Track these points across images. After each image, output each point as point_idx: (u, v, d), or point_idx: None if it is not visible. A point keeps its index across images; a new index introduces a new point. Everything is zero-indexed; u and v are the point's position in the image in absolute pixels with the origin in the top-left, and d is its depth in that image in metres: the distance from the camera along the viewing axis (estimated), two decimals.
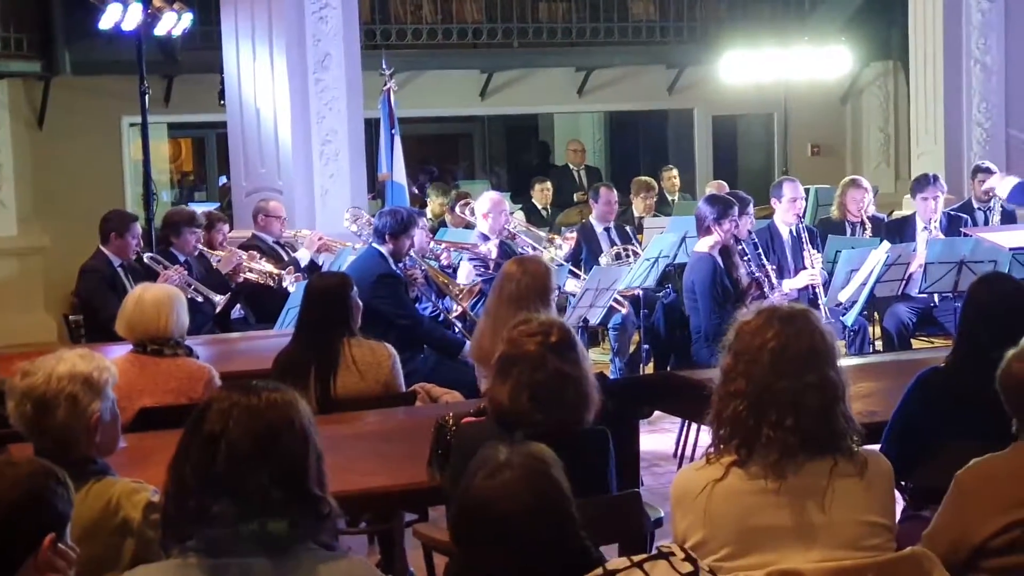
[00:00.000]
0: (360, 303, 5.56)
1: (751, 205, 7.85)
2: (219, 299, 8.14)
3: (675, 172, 13.86)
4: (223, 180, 16.41)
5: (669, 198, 13.41)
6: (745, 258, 7.55)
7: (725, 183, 11.94)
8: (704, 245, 7.46)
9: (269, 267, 8.38)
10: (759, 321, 3.24)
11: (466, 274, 8.53)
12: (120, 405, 3.65)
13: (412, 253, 7.54)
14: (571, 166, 15.28)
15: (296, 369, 5.32)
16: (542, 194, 13.62)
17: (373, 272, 7.23)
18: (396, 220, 7.37)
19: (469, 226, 9.59)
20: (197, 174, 18.91)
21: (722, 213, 7.40)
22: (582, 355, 3.90)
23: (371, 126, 11.48)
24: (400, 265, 7.44)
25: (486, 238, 8.78)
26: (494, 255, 8.48)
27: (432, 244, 8.59)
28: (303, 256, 8.92)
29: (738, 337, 3.25)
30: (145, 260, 8.07)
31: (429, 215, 11.30)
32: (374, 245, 7.41)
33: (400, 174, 10.34)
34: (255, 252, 8.63)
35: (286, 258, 8.88)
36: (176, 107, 14.14)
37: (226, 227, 9.31)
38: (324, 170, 10.56)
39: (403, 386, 5.60)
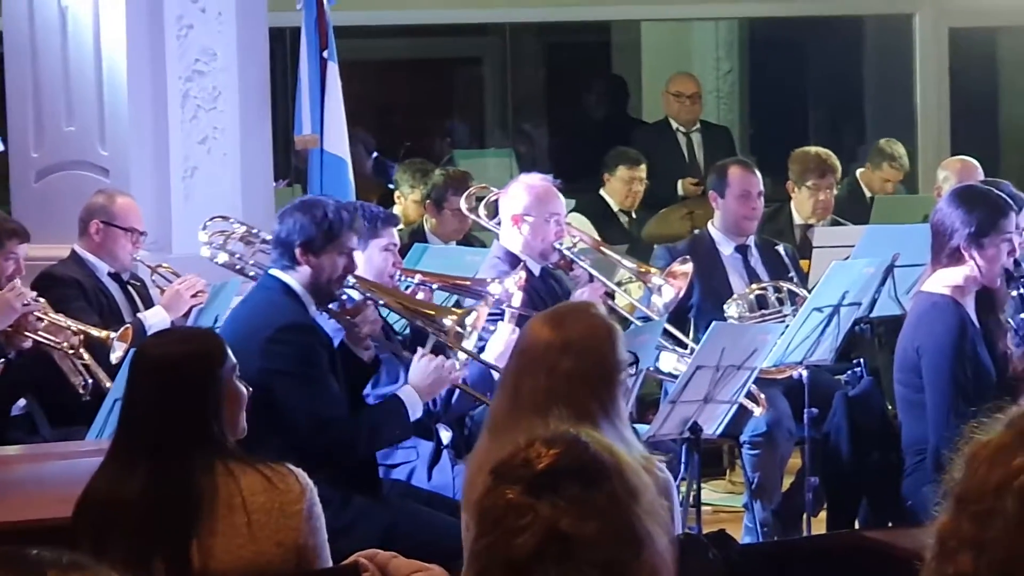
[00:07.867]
0: (243, 390, 4.23)
1: None
2: None
3: (890, 144, 10.36)
4: None
5: (864, 190, 10.09)
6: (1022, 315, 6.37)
7: (977, 164, 9.05)
8: (942, 283, 6.26)
9: (87, 327, 6.94)
10: (1006, 439, 2.47)
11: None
12: None
13: (354, 282, 5.94)
14: (674, 124, 11.75)
15: (121, 520, 4.13)
16: (624, 185, 10.22)
17: (269, 324, 5.66)
18: (314, 219, 5.86)
19: (470, 240, 8.40)
20: None
21: (988, 222, 6.17)
22: (638, 498, 2.61)
23: (284, 41, 9.86)
24: (329, 306, 5.88)
25: (515, 261, 6.86)
26: (517, 302, 6.52)
27: (399, 274, 6.71)
28: (157, 320, 7.35)
29: (969, 468, 2.48)
30: None
31: (400, 221, 8.81)
32: (273, 273, 5.90)
33: (337, 138, 8.36)
34: (63, 296, 7.11)
35: (127, 316, 7.37)
36: None
37: (23, 247, 7.42)
38: (190, 131, 8.36)
39: (326, 553, 4.34)
